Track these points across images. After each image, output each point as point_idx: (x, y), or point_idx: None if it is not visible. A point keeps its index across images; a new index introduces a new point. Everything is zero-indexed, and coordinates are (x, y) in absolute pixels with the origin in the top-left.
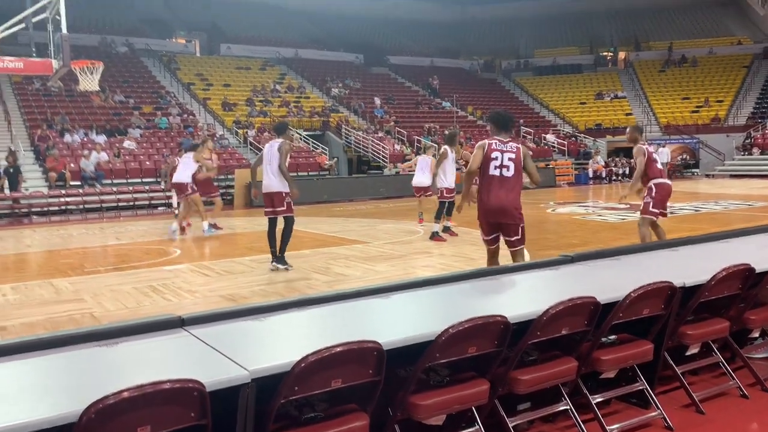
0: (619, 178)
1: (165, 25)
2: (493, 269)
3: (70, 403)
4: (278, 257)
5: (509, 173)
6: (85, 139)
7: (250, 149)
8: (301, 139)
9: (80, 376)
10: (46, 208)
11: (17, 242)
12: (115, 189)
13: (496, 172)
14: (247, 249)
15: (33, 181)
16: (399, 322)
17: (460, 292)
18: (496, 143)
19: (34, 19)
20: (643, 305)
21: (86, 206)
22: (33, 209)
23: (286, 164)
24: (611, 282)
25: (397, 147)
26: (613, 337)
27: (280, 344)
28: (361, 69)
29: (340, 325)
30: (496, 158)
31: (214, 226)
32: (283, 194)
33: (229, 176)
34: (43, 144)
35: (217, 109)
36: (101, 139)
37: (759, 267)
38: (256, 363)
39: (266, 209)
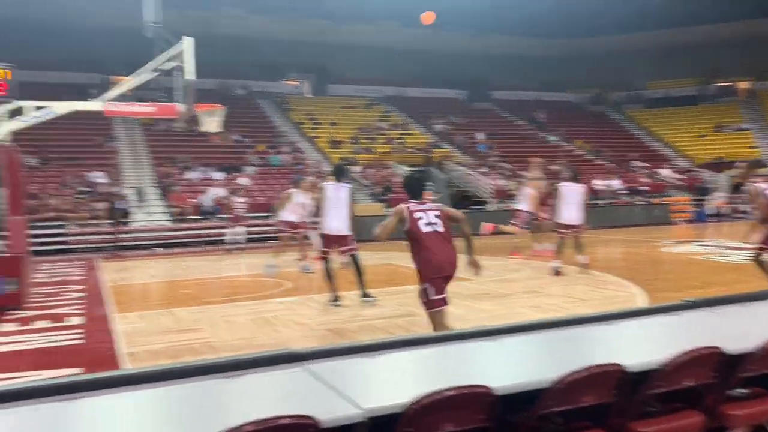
0: (741, 215)
1: (278, 69)
2: (609, 314)
3: None
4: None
5: (441, 228)
6: (205, 176)
7: (355, 185)
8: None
9: (203, 407)
10: (168, 241)
11: (142, 272)
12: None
13: (430, 229)
14: (351, 283)
15: (157, 215)
16: (509, 367)
17: (573, 338)
18: (414, 205)
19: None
20: None
21: (204, 239)
22: (156, 241)
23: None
24: (740, 330)
25: (501, 182)
26: (745, 390)
27: (392, 384)
28: (463, 105)
29: (450, 368)
30: (420, 218)
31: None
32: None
33: None
34: (167, 180)
35: (324, 146)
36: (219, 175)
37: None
38: (370, 402)
39: (341, 248)
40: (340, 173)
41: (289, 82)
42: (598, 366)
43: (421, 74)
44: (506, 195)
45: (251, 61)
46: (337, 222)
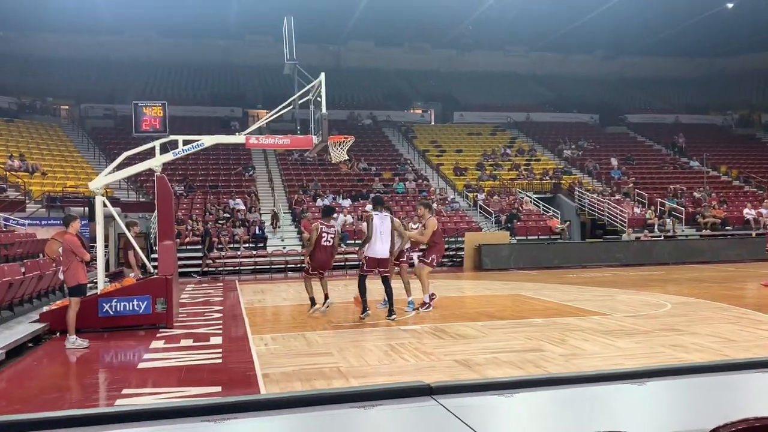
0: None
1: (404, 98)
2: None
3: None
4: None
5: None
6: (333, 203)
7: (479, 212)
8: (531, 201)
9: None
10: (300, 265)
11: (275, 295)
12: (357, 249)
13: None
14: (478, 314)
15: (289, 239)
16: (656, 414)
17: (730, 385)
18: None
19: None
20: None
21: (333, 264)
22: (289, 265)
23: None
24: None
25: (637, 210)
26: None
27: (528, 425)
28: (595, 129)
29: (591, 411)
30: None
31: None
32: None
33: (459, 239)
34: (299, 207)
35: (449, 173)
36: (347, 203)
37: None
38: None
39: (379, 269)
40: (378, 203)
41: (414, 111)
42: (756, 419)
43: (550, 99)
44: (643, 224)
45: (378, 91)
46: (381, 246)
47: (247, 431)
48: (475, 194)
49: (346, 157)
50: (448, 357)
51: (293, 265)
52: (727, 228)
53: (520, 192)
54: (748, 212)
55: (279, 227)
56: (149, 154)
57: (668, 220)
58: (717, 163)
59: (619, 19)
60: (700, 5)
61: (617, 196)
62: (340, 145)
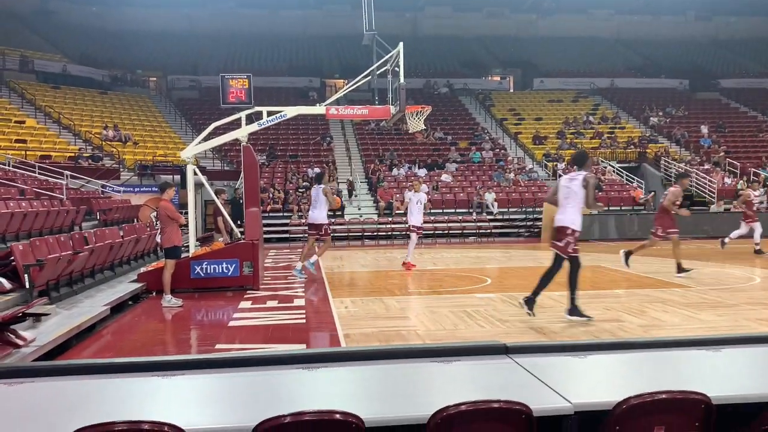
0: None
1: (482, 65)
2: None
3: (418, 407)
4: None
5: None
6: (409, 173)
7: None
8: (614, 171)
9: (422, 385)
10: (375, 233)
11: (353, 261)
12: (432, 218)
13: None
14: (556, 284)
15: (366, 208)
16: (731, 378)
17: None
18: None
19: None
20: None
21: (407, 233)
22: (365, 233)
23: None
24: None
25: (728, 180)
26: None
27: (601, 382)
28: (685, 95)
29: (663, 373)
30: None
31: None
32: (569, 230)
33: (537, 209)
34: (375, 177)
35: (528, 142)
36: (422, 172)
37: None
38: (578, 397)
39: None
40: (579, 161)
41: (492, 78)
42: None
43: (636, 63)
44: (734, 195)
45: (455, 59)
46: (561, 215)
47: (336, 378)
48: (554, 164)
49: (423, 127)
50: (523, 324)
51: (370, 233)
52: None
53: (602, 161)
54: None
55: (356, 196)
56: (233, 124)
57: (762, 190)
58: None
59: None
60: None
61: (706, 166)
62: (417, 114)
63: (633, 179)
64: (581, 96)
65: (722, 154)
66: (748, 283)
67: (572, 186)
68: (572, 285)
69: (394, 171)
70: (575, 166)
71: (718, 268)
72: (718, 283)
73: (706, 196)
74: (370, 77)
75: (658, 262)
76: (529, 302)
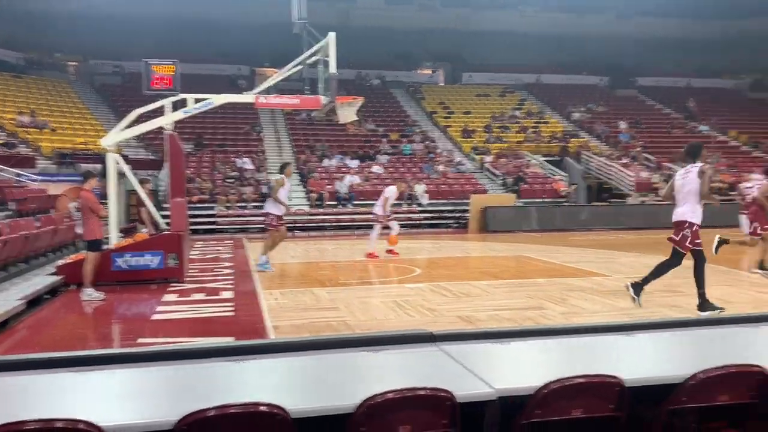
0: None
1: (413, 58)
2: (753, 316)
3: (345, 396)
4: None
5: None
6: (341, 164)
7: (486, 175)
8: (538, 164)
9: (347, 375)
10: (306, 224)
11: (284, 253)
12: (364, 209)
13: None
14: (482, 273)
15: (297, 200)
16: (642, 362)
17: (711, 337)
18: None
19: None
20: None
21: (340, 224)
22: (296, 225)
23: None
24: None
25: (644, 174)
26: None
27: (523, 368)
28: (605, 92)
29: (581, 358)
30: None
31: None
32: (687, 224)
33: (465, 201)
34: (306, 168)
35: (456, 135)
36: (354, 163)
37: None
38: (502, 383)
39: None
40: (692, 153)
41: (423, 71)
42: (735, 366)
43: (561, 60)
44: (650, 188)
45: (387, 51)
46: (680, 208)
47: (264, 370)
48: (482, 156)
49: (355, 118)
50: (451, 313)
51: (300, 225)
52: (732, 192)
53: (527, 155)
54: (756, 177)
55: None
56: (158, 111)
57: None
58: (727, 127)
59: None
60: None
61: (624, 160)
62: (348, 105)
63: (556, 172)
64: (508, 91)
65: (639, 149)
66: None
67: (689, 178)
68: (699, 280)
69: (325, 162)
70: (690, 158)
71: (634, 258)
72: (635, 272)
73: (624, 189)
74: (301, 66)
75: (578, 252)
76: (637, 288)
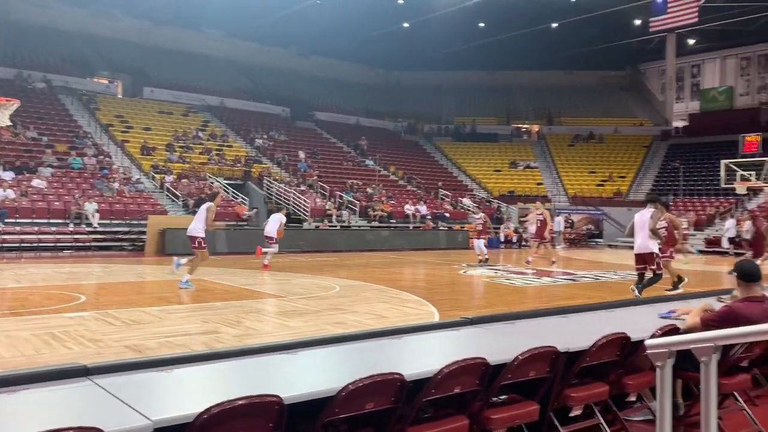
0: (527, 243)
1: (87, 65)
2: (397, 329)
3: None
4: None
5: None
6: None
7: (167, 195)
8: (221, 187)
9: None
10: None
11: None
12: (18, 228)
13: None
14: (156, 299)
15: None
16: (303, 378)
17: (363, 350)
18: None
19: None
20: (530, 367)
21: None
22: None
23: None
24: (503, 344)
25: (319, 201)
26: (503, 397)
27: (185, 396)
28: (287, 122)
29: (245, 380)
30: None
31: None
32: (654, 255)
33: (142, 222)
34: None
35: (135, 152)
36: (8, 175)
37: (634, 336)
38: (160, 413)
39: (638, 266)
40: (651, 200)
41: (99, 80)
42: (379, 375)
43: (246, 87)
44: (323, 214)
45: (56, 53)
46: (640, 241)
47: None
48: (162, 176)
49: (10, 123)
50: (118, 343)
51: None
52: (392, 220)
53: (210, 177)
54: (409, 208)
55: None
56: None
57: (345, 211)
58: (388, 163)
59: (314, 20)
60: (381, 20)
61: (302, 187)
62: (4, 108)
63: (238, 195)
64: (192, 111)
65: (315, 177)
66: (330, 291)
67: (645, 217)
68: (648, 284)
69: None
70: (650, 203)
71: (307, 279)
72: (307, 292)
73: (301, 214)
74: None
75: (255, 275)
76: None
